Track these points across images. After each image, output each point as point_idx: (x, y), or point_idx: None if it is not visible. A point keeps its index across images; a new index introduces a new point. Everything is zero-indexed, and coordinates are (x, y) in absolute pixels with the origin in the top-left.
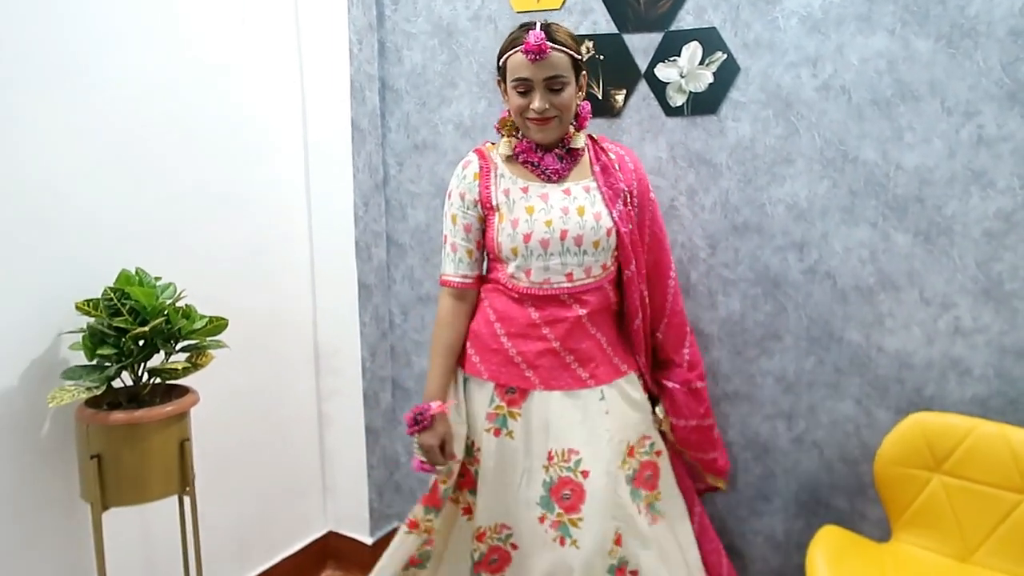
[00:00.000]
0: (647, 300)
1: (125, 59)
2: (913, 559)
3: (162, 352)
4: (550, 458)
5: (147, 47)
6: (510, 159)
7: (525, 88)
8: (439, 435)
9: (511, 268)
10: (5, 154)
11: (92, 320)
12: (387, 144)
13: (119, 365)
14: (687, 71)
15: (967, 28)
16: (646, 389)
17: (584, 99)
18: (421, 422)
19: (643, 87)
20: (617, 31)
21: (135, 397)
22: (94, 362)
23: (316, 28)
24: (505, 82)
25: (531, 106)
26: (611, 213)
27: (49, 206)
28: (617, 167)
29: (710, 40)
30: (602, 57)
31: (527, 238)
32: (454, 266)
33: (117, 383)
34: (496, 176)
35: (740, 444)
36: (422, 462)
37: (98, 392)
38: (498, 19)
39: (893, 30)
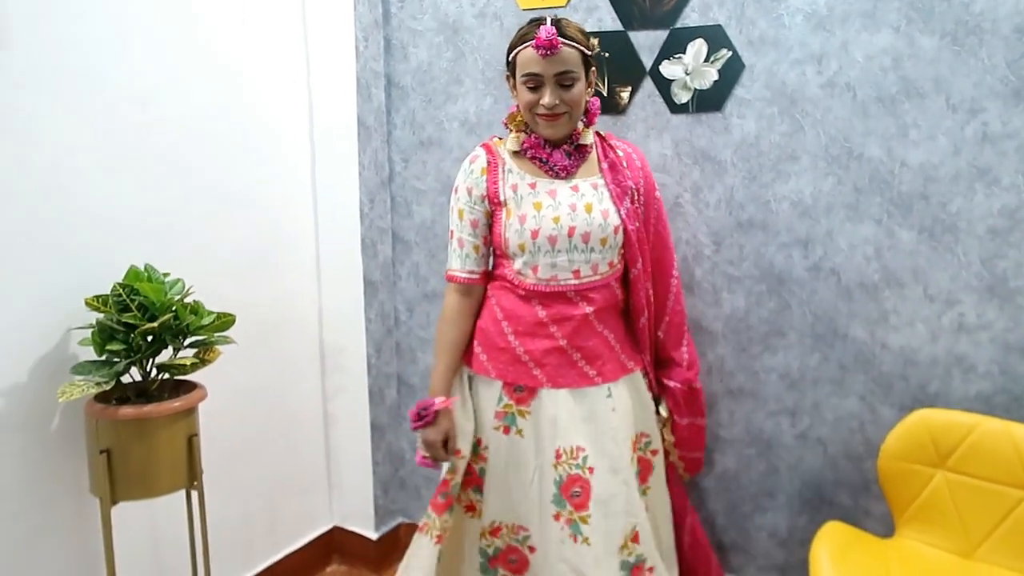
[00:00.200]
0: (652, 298)
1: (133, 58)
2: (917, 555)
3: (170, 348)
4: (558, 456)
5: (156, 46)
6: (518, 154)
7: (535, 83)
8: (442, 431)
9: (518, 264)
10: (16, 151)
11: (101, 316)
12: (393, 141)
13: (128, 361)
14: (692, 68)
15: (972, 25)
16: (650, 387)
17: (594, 95)
18: (424, 417)
19: (648, 84)
20: (622, 28)
21: (144, 392)
22: (103, 357)
23: (322, 25)
24: (514, 77)
25: (541, 102)
26: (619, 211)
27: (59, 203)
28: (625, 164)
29: (715, 37)
30: (607, 54)
31: (535, 234)
32: (460, 261)
33: (126, 378)
34: (504, 171)
35: (744, 440)
36: (424, 457)
37: (107, 387)
38: (504, 16)
39: (898, 27)
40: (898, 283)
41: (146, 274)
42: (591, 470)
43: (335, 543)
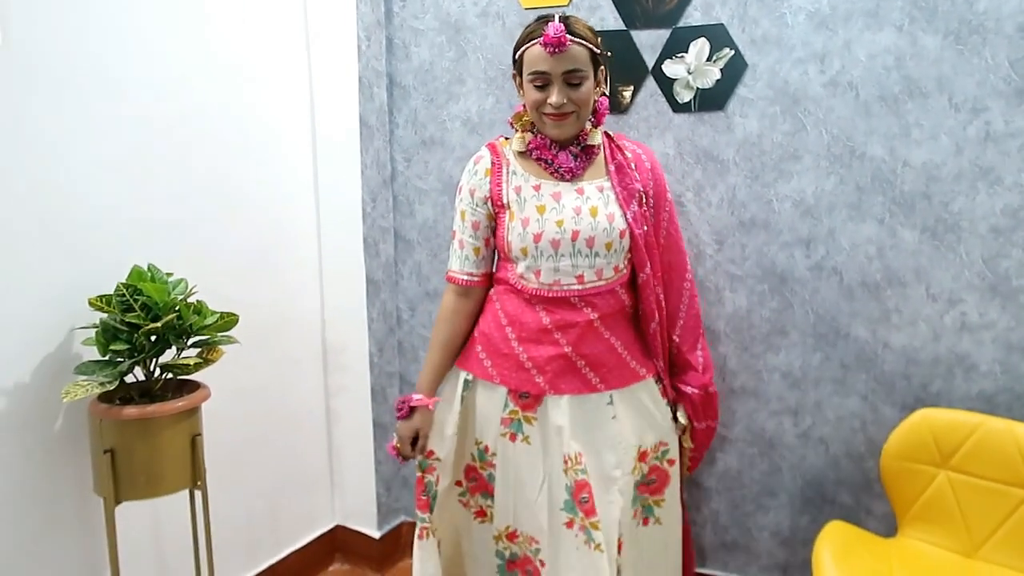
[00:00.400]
0: (663, 302)
1: (135, 57)
2: (919, 554)
3: (174, 347)
4: (566, 462)
5: (158, 46)
6: (523, 155)
7: (542, 82)
8: (413, 428)
9: (520, 268)
10: (18, 151)
11: (105, 316)
12: (395, 140)
13: (131, 360)
14: (695, 67)
15: (975, 24)
16: (665, 394)
17: (602, 95)
18: (401, 410)
19: (650, 83)
20: (625, 27)
21: (147, 392)
22: (107, 357)
23: (324, 25)
24: (521, 76)
25: (548, 100)
26: (625, 214)
27: (62, 203)
28: (633, 166)
29: (718, 36)
30: (609, 54)
31: (537, 238)
32: (460, 263)
33: (129, 378)
34: (508, 173)
35: (746, 440)
36: (394, 447)
37: (111, 387)
38: (506, 15)
39: (901, 26)
40: (900, 282)
41: (149, 274)
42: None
43: (338, 542)
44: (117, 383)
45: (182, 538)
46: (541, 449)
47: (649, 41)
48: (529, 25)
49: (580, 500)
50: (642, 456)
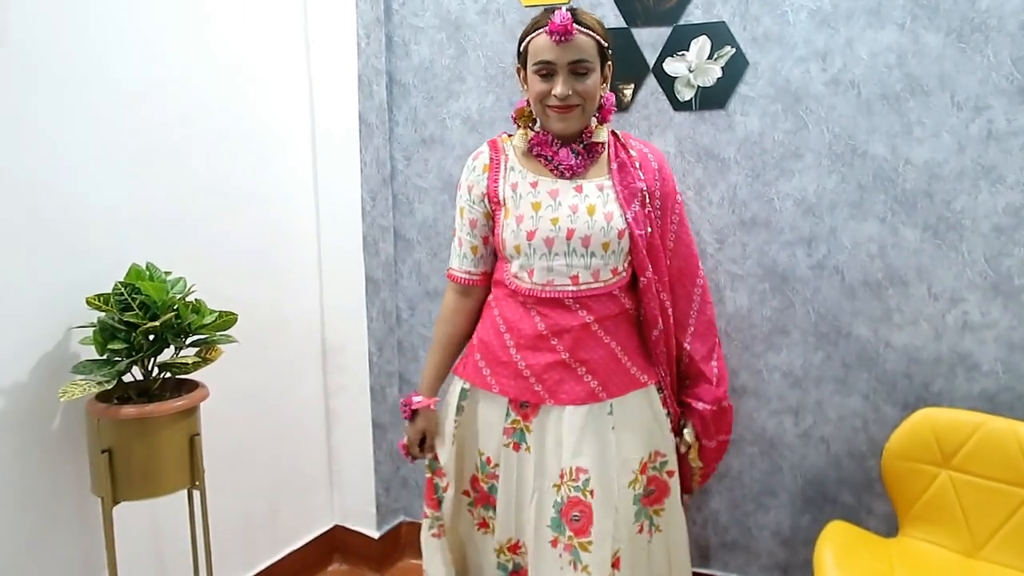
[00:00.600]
0: (668, 309)
1: (134, 55)
2: (921, 554)
3: (172, 347)
4: (561, 476)
5: (157, 43)
6: (525, 152)
7: (548, 71)
8: (419, 430)
9: (514, 267)
10: (16, 149)
11: (103, 315)
12: (395, 139)
13: (129, 360)
14: (696, 65)
15: (977, 22)
16: (666, 403)
17: (609, 91)
18: (404, 412)
19: (651, 82)
20: (625, 25)
21: (145, 391)
22: (105, 357)
23: (323, 22)
24: (525, 69)
25: (553, 92)
26: (624, 214)
27: (59, 201)
28: (638, 165)
29: (719, 34)
30: (612, 54)
31: (531, 236)
32: (459, 261)
33: (127, 378)
34: (506, 169)
35: (747, 439)
36: (404, 445)
37: (109, 387)
38: (506, 13)
39: (903, 24)
40: (902, 281)
41: (148, 273)
42: (593, 493)
43: (337, 542)
44: (115, 382)
45: (180, 538)
46: (536, 461)
47: (650, 39)
48: (535, 16)
49: (571, 518)
50: (642, 468)
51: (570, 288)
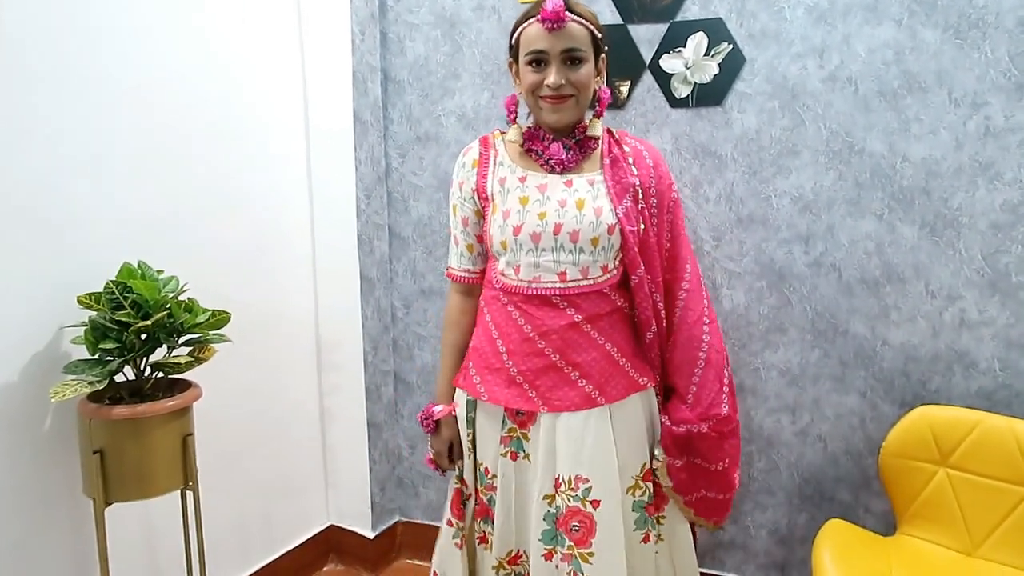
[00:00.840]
0: (662, 311)
1: (126, 52)
2: (919, 553)
3: (164, 346)
4: (557, 485)
5: (150, 40)
6: (516, 147)
7: (540, 60)
8: (445, 440)
9: (501, 264)
10: (6, 146)
11: (94, 314)
12: (389, 136)
13: (121, 359)
14: (692, 62)
15: (975, 19)
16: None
17: (603, 84)
18: (427, 425)
19: (648, 78)
20: (622, 22)
21: (137, 391)
22: (96, 356)
23: (318, 19)
24: (517, 61)
25: (546, 82)
26: (615, 209)
27: (50, 199)
28: (631, 160)
29: (716, 31)
30: (607, 48)
31: (517, 231)
32: (457, 259)
33: (119, 377)
34: (495, 164)
35: (744, 438)
36: (431, 459)
37: (100, 387)
38: (502, 9)
39: (900, 20)
40: (899, 279)
41: (139, 271)
42: (595, 503)
43: (332, 542)
44: (107, 382)
45: (174, 539)
46: (532, 469)
47: (646, 35)
48: (526, 8)
49: (571, 528)
50: (648, 475)
51: (557, 285)
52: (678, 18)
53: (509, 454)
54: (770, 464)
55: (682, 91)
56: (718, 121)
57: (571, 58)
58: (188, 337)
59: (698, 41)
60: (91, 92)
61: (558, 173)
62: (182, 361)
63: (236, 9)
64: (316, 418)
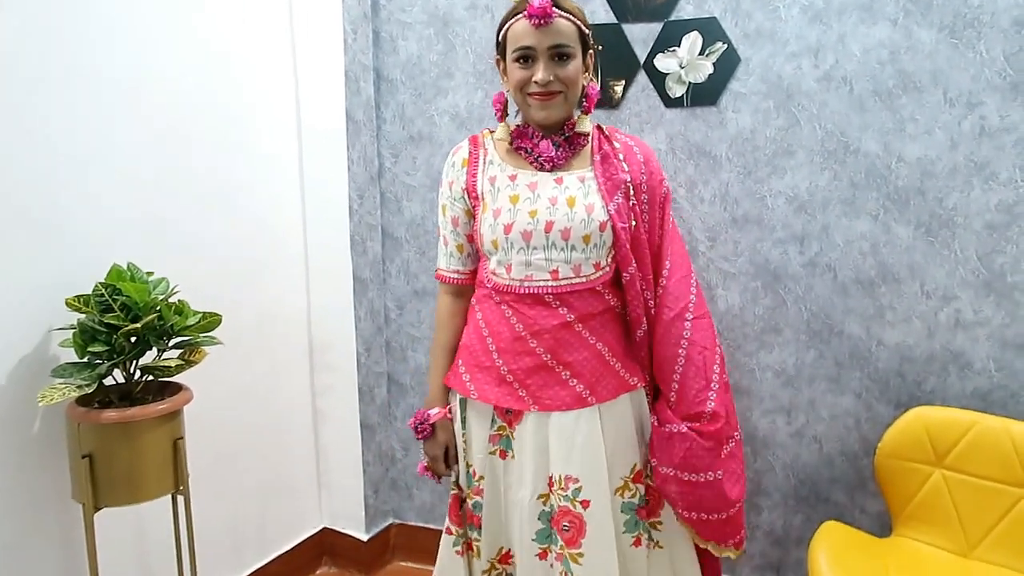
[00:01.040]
0: (652, 309)
1: (116, 49)
2: (915, 554)
3: (154, 349)
4: (550, 485)
5: (139, 38)
6: (506, 146)
7: (527, 56)
8: (441, 444)
9: (492, 263)
10: None
11: (83, 316)
12: (382, 136)
13: (111, 362)
14: (687, 62)
15: (970, 18)
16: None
17: (592, 80)
18: (422, 431)
19: (642, 78)
20: (616, 21)
21: (127, 395)
22: (85, 359)
23: (309, 18)
24: (505, 59)
25: (534, 78)
26: (606, 206)
27: (37, 199)
28: (622, 157)
29: (710, 30)
30: (600, 47)
31: (508, 229)
32: (446, 260)
33: (109, 381)
34: (485, 163)
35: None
36: (426, 468)
37: (89, 390)
38: (495, 8)
39: (895, 20)
40: (895, 279)
41: (129, 273)
42: (585, 503)
43: (325, 545)
44: (96, 386)
45: (165, 544)
46: (519, 468)
47: (641, 35)
48: (513, 5)
49: (562, 528)
50: (638, 476)
51: (549, 283)
52: (672, 17)
53: (498, 452)
54: (765, 465)
55: (677, 91)
56: (713, 121)
57: (559, 54)
58: (178, 339)
59: (693, 40)
60: (80, 91)
61: (548, 171)
62: (172, 364)
63: (227, 8)
64: (309, 420)
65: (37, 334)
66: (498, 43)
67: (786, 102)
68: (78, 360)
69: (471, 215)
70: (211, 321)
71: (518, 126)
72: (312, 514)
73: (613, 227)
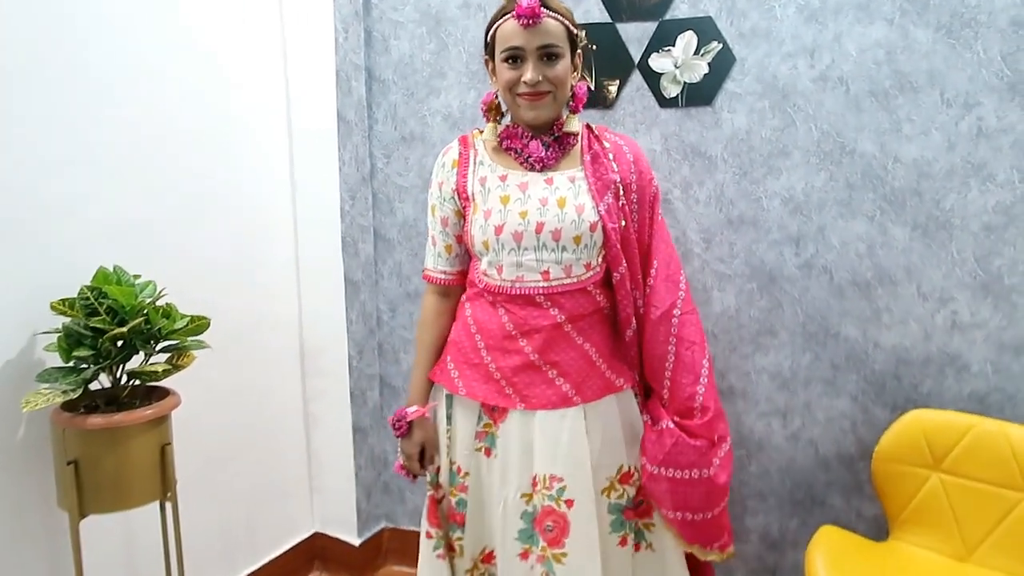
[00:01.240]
0: (642, 309)
1: (103, 49)
2: (912, 558)
3: (141, 353)
4: (534, 484)
5: (127, 38)
6: (495, 146)
7: (516, 56)
8: (417, 443)
9: (483, 264)
10: None
11: (68, 320)
12: (374, 136)
13: (96, 367)
14: (682, 61)
15: (967, 18)
16: (644, 410)
17: (580, 80)
18: (399, 428)
19: (636, 78)
20: (610, 20)
21: (114, 400)
22: (70, 364)
23: (300, 17)
24: (494, 59)
25: (523, 79)
26: (597, 206)
27: (22, 201)
28: (611, 156)
29: (705, 30)
30: (595, 47)
31: (498, 230)
32: (434, 260)
33: (95, 385)
34: (475, 164)
35: (734, 442)
36: (401, 466)
37: (75, 395)
38: (488, 7)
39: (892, 19)
40: (891, 281)
41: (115, 276)
42: (569, 503)
43: (317, 549)
44: (81, 391)
45: (153, 551)
46: (502, 467)
47: (635, 34)
48: (501, 4)
49: (545, 528)
50: (625, 477)
51: (541, 284)
52: (667, 17)
53: (484, 450)
54: (761, 468)
55: (671, 91)
56: (708, 121)
57: (547, 54)
58: (166, 344)
59: (687, 40)
60: (66, 90)
61: (538, 171)
62: (160, 369)
63: (216, 5)
64: (300, 424)
65: (22, 338)
66: (486, 43)
67: (782, 102)
68: (63, 364)
69: (461, 216)
70: (199, 325)
71: (507, 126)
72: (304, 519)
73: (604, 227)
